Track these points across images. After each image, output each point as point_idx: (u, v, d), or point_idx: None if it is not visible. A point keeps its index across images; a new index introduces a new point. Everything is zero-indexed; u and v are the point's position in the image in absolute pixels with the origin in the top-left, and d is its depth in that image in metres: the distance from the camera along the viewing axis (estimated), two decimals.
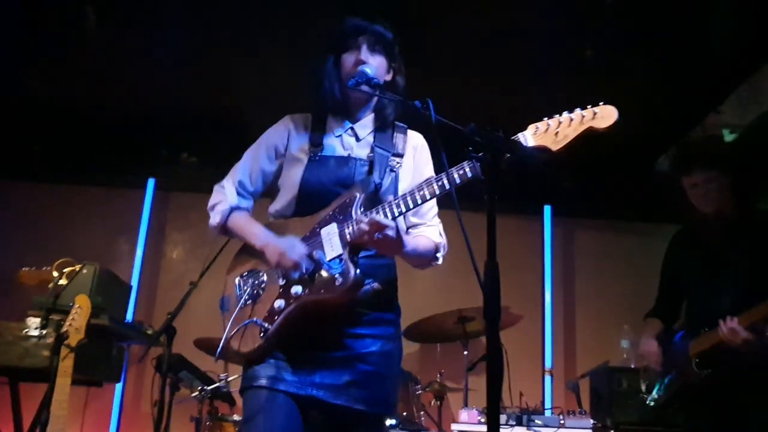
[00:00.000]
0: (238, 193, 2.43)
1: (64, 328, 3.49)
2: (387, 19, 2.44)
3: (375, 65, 2.32)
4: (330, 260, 2.14)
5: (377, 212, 2.12)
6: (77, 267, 4.07)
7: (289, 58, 4.51)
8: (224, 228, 2.40)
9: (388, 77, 2.40)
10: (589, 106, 1.99)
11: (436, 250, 2.37)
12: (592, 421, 4.01)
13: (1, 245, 5.43)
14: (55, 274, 4.01)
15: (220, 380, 4.42)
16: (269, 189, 2.47)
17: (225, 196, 2.42)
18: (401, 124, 2.45)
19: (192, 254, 6.05)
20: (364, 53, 2.32)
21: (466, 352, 4.54)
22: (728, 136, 5.43)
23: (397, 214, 2.11)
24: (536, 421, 3.88)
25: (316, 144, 2.36)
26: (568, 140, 1.97)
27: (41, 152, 5.91)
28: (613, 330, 5.31)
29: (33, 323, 3.79)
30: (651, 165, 6.06)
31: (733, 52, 4.63)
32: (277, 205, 2.40)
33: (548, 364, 5.84)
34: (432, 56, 4.62)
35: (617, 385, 4.54)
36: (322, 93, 2.38)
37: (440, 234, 2.42)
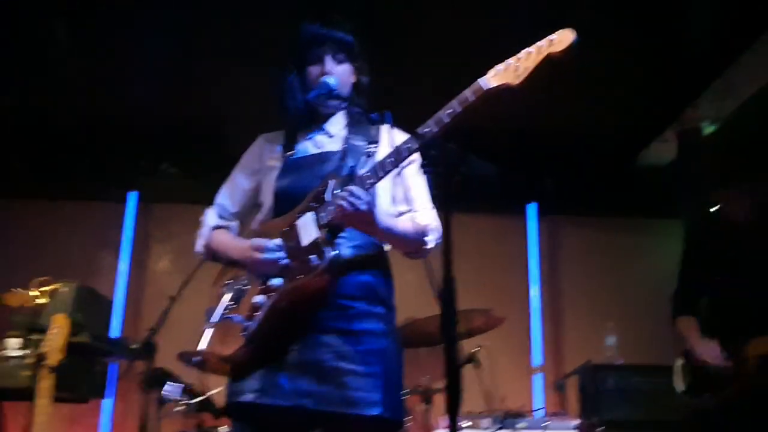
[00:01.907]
0: (219, 215, 2.47)
1: (43, 349, 3.47)
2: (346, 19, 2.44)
3: (340, 75, 2.33)
4: (306, 246, 2.11)
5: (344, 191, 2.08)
6: (57, 285, 4.03)
7: (266, 68, 4.49)
8: (208, 249, 2.42)
9: (353, 80, 2.41)
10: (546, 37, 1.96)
11: (423, 233, 2.27)
12: (574, 422, 4.01)
13: None
14: (35, 293, 3.97)
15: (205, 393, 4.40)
16: (251, 208, 2.48)
17: (207, 220, 2.47)
18: (371, 117, 2.39)
19: (176, 265, 6.02)
20: (329, 64, 2.32)
21: None
22: (708, 128, 5.45)
23: (368, 186, 2.07)
24: (520, 424, 3.88)
25: (288, 149, 2.38)
26: (528, 71, 1.93)
27: (18, 168, 5.86)
28: (601, 327, 5.30)
29: (12, 344, 3.76)
30: (633, 160, 6.07)
31: (707, 46, 4.65)
32: (258, 217, 2.41)
33: (536, 362, 5.84)
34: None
35: (603, 383, 4.54)
36: (287, 108, 2.38)
37: (433, 218, 2.31)
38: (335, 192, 2.12)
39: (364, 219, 2.08)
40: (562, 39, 1.91)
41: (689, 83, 5.08)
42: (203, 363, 2.13)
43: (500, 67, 1.98)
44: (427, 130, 1.97)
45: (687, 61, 4.79)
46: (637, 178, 6.09)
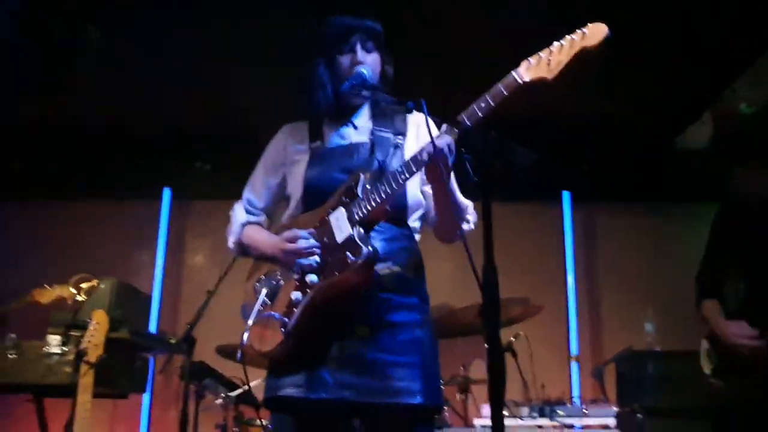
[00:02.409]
0: (247, 211, 2.46)
1: (83, 345, 3.51)
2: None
3: (372, 63, 2.32)
4: (341, 243, 2.10)
5: (385, 182, 2.07)
6: (95, 282, 4.08)
7: (294, 65, 4.50)
8: (240, 245, 2.42)
9: (380, 69, 2.39)
10: (577, 29, 1.93)
11: (467, 209, 2.30)
12: (615, 409, 3.97)
13: (19, 265, 5.49)
14: (73, 290, 4.03)
15: (244, 387, 4.43)
16: (279, 201, 2.49)
17: (236, 216, 2.46)
18: (398, 106, 2.38)
19: (213, 260, 6.07)
20: (361, 54, 2.30)
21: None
22: (746, 110, 5.34)
23: (401, 181, 2.06)
24: (559, 412, 3.84)
25: (314, 141, 2.36)
26: (563, 65, 1.90)
27: (55, 170, 5.95)
28: (639, 314, 5.24)
29: (53, 341, 3.82)
30: (670, 144, 5.97)
31: (745, 28, 4.53)
32: (288, 211, 2.40)
33: (574, 351, 5.78)
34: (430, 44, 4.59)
35: (643, 370, 4.48)
36: (317, 99, 2.35)
37: (469, 204, 2.35)
38: (369, 190, 2.11)
39: (447, 172, 2.08)
40: (595, 32, 1.88)
41: (727, 65, 4.96)
42: (244, 358, 2.12)
43: (532, 59, 1.95)
44: (459, 123, 1.96)
45: (725, 42, 4.67)
46: (674, 163, 5.97)
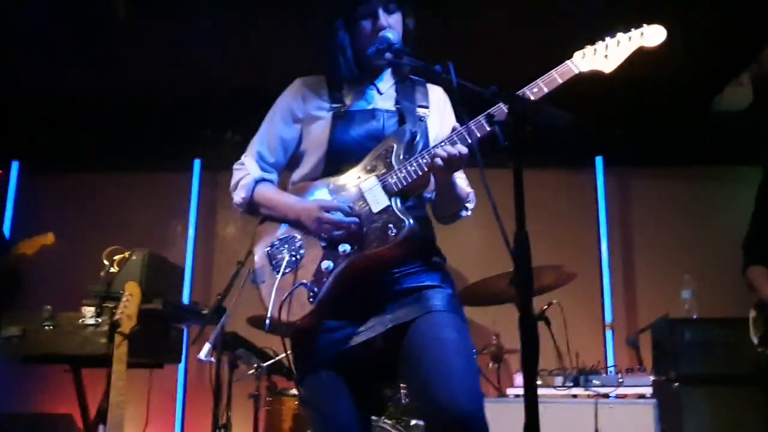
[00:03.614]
0: (261, 167, 2.35)
1: (116, 316, 3.54)
2: None
3: (395, 25, 2.25)
4: (377, 213, 2.06)
5: (421, 157, 2.06)
6: (127, 254, 4.11)
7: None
8: (251, 203, 2.31)
9: (402, 27, 2.31)
10: (633, 28, 2.01)
11: (467, 198, 2.28)
12: (651, 378, 3.91)
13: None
14: (106, 262, 4.06)
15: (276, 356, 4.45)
16: (290, 157, 2.37)
17: (247, 170, 2.34)
18: (417, 78, 2.37)
19: (244, 231, 6.07)
20: (383, 17, 2.22)
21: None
22: None
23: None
24: (594, 381, 3.80)
25: (336, 100, 2.28)
26: (619, 61, 1.98)
27: (85, 141, 5.99)
28: (675, 281, 5.13)
29: (88, 312, 3.85)
30: (707, 106, 5.81)
31: None
32: (302, 170, 2.30)
33: (608, 318, 5.71)
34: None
35: (680, 338, 4.40)
36: (337, 63, 2.28)
37: (467, 185, 2.32)
38: (403, 159, 2.09)
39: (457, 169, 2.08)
40: (656, 34, 1.98)
41: (765, 23, 4.78)
42: (274, 328, 2.09)
43: (588, 50, 1.99)
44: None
45: (760, 2, 4.51)
46: (711, 125, 5.81)
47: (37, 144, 6.01)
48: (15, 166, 6.23)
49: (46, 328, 3.85)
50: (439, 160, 2.00)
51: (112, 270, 4.05)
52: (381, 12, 2.23)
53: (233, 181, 2.37)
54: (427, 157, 2.03)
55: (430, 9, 2.42)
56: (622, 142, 5.96)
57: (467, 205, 2.28)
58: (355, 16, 2.25)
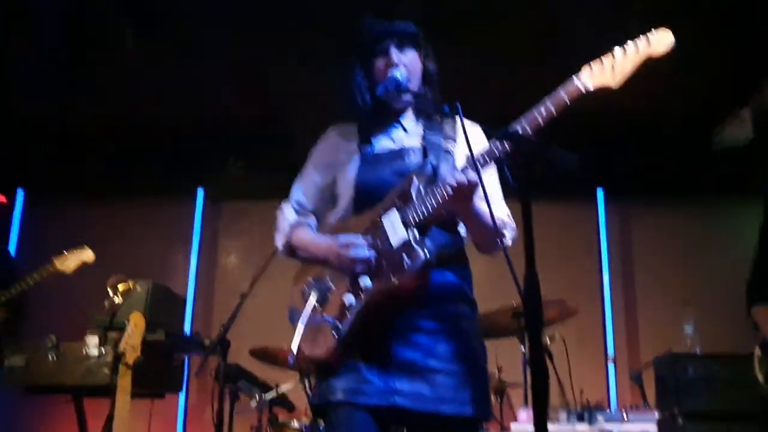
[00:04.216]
0: (297, 212, 2.43)
1: (121, 347, 3.54)
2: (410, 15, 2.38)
3: (408, 63, 2.29)
4: (395, 247, 2.08)
5: (437, 188, 2.05)
6: (131, 284, 4.12)
7: (329, 64, 4.50)
8: (290, 246, 2.38)
9: (420, 67, 2.35)
10: (639, 36, 1.90)
11: (502, 225, 2.24)
12: (656, 415, 3.89)
13: None
14: (110, 292, 4.07)
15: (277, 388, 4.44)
16: (328, 202, 2.44)
17: (285, 217, 2.43)
18: (443, 111, 2.35)
19: (246, 261, 6.10)
20: (395, 55, 2.27)
21: (523, 348, 4.44)
22: None
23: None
24: (599, 417, 3.77)
25: (364, 143, 2.34)
26: (627, 73, 1.87)
27: (90, 170, 6.03)
28: (677, 314, 5.13)
29: (92, 342, 3.86)
30: (707, 139, 5.85)
31: None
32: (337, 212, 2.37)
33: (610, 352, 5.70)
34: (473, 44, 4.57)
35: (683, 373, 4.39)
36: (355, 105, 2.34)
37: (507, 216, 2.30)
38: (423, 193, 2.09)
39: (470, 198, 2.06)
40: (662, 40, 1.86)
41: (764, 58, 4.85)
42: (296, 362, 2.13)
43: (595, 65, 1.91)
44: (517, 130, 1.91)
45: (761, 35, 4.57)
46: (711, 158, 5.86)
47: (42, 172, 6.03)
48: (20, 194, 6.26)
49: (50, 358, 3.85)
50: (449, 188, 2.02)
51: (116, 300, 4.06)
52: (393, 49, 2.28)
53: (275, 228, 2.45)
54: (441, 187, 2.05)
55: (440, 39, 2.44)
56: (623, 174, 5.99)
57: (504, 232, 2.24)
58: (369, 56, 2.32)
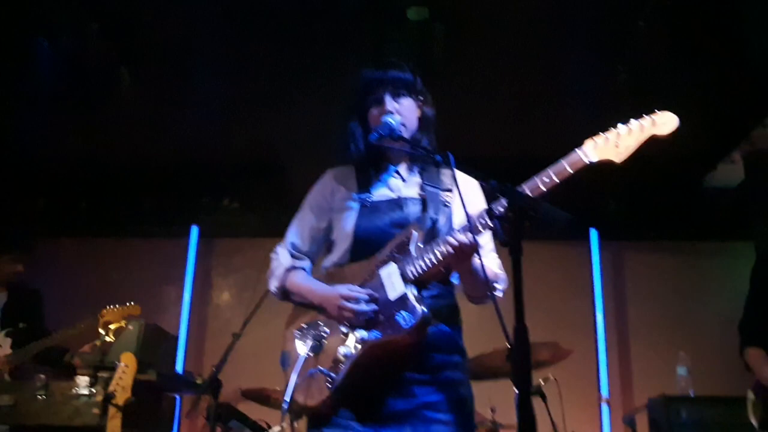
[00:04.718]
0: (292, 255, 2.41)
1: (111, 388, 3.51)
2: (408, 62, 2.42)
3: (403, 110, 2.30)
4: (393, 300, 2.08)
5: (437, 245, 2.07)
6: (123, 323, 4.10)
7: (322, 105, 4.56)
8: (284, 290, 2.37)
9: (418, 114, 2.37)
10: (644, 116, 1.94)
11: (495, 279, 2.26)
12: None
13: (49, 302, 5.53)
14: (101, 331, 4.05)
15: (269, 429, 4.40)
16: (323, 246, 2.45)
17: (279, 261, 2.41)
18: (437, 157, 2.36)
19: (238, 299, 6.08)
20: (389, 103, 2.29)
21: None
22: None
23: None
24: None
25: (363, 191, 2.34)
26: (631, 150, 1.92)
27: (84, 208, 6.04)
28: (671, 356, 5.12)
29: (82, 382, 3.83)
30: (699, 182, 5.91)
31: None
32: (333, 258, 2.36)
33: (604, 393, 5.67)
34: (463, 89, 4.61)
35: (677, 416, 4.37)
36: (351, 154, 2.36)
37: (499, 267, 2.32)
38: (421, 248, 2.10)
39: (468, 253, 2.06)
40: (667, 122, 1.90)
41: (757, 102, 4.92)
42: (292, 409, 2.12)
43: (599, 139, 1.94)
44: (509, 186, 1.91)
45: (755, 79, 4.64)
46: (704, 201, 5.91)
47: (36, 209, 6.04)
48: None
49: (39, 398, 3.81)
50: (450, 248, 2.03)
51: (107, 339, 4.04)
52: (387, 98, 2.30)
53: (269, 271, 2.43)
54: (442, 245, 2.07)
55: (438, 94, 2.47)
56: (616, 216, 6.02)
57: (496, 286, 2.27)
58: (364, 105, 2.34)
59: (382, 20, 3.98)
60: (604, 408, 5.58)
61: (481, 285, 2.22)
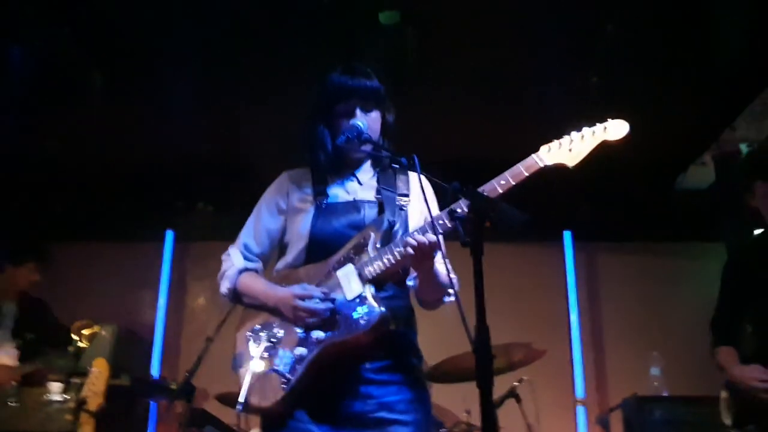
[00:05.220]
0: (245, 257, 2.38)
1: (84, 393, 3.50)
2: (376, 67, 2.43)
3: (371, 122, 2.31)
4: (350, 300, 2.09)
5: (395, 246, 2.10)
6: (96, 329, 4.08)
7: (296, 107, 4.56)
8: (235, 293, 2.34)
9: (381, 122, 2.38)
10: (597, 123, 2.08)
11: (448, 285, 2.25)
12: None
13: None
14: (75, 336, 4.03)
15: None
16: (276, 248, 2.42)
17: (232, 262, 2.38)
18: (399, 164, 2.38)
19: (213, 303, 6.05)
20: (360, 116, 2.30)
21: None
22: (746, 149, 5.35)
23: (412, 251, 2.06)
24: None
25: (319, 193, 2.34)
26: (583, 155, 2.04)
27: (58, 212, 5.99)
28: (644, 356, 5.18)
29: (54, 388, 3.80)
30: (671, 184, 5.97)
31: (743, 68, 4.56)
32: (286, 259, 2.34)
33: (579, 394, 5.71)
34: (434, 94, 4.65)
35: (650, 416, 4.41)
36: (317, 158, 2.35)
37: (449, 271, 2.28)
38: (379, 248, 2.12)
39: (429, 256, 2.10)
40: (618, 129, 2.04)
41: (726, 105, 4.99)
42: (246, 410, 2.11)
43: (554, 144, 2.06)
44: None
45: (723, 82, 4.70)
46: (676, 202, 5.98)
47: (10, 213, 5.97)
48: None
49: (10, 404, 3.78)
50: (410, 249, 2.05)
51: (80, 344, 4.02)
52: (359, 111, 2.31)
53: (220, 272, 2.41)
54: (401, 246, 2.09)
55: (400, 97, 2.49)
56: (589, 217, 6.07)
57: (449, 291, 2.28)
58: (334, 113, 2.33)
59: (354, 24, 3.99)
60: (579, 409, 5.62)
61: (437, 287, 2.25)
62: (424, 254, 2.07)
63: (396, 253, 2.09)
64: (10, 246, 4.46)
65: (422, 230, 2.07)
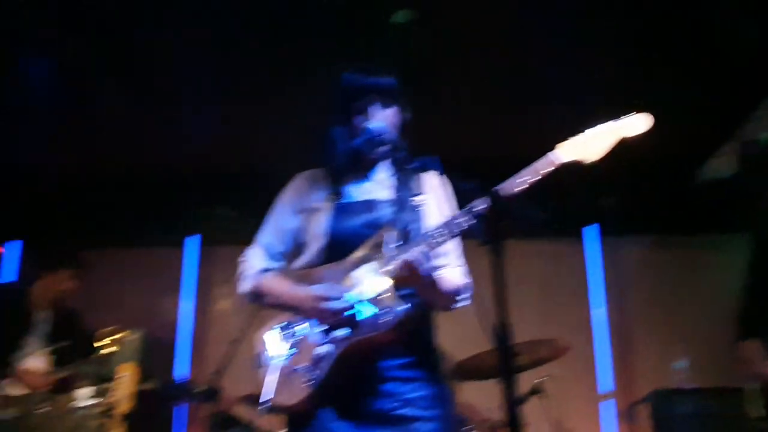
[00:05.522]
0: (264, 258, 2.40)
1: (113, 398, 3.54)
2: (393, 65, 2.43)
3: (387, 120, 2.32)
4: (371, 299, 2.11)
5: (411, 250, 2.09)
6: (124, 334, 4.12)
7: (319, 109, 4.56)
8: (255, 294, 2.36)
9: (398, 120, 2.39)
10: (618, 119, 2.02)
11: (456, 292, 2.28)
12: None
13: None
14: (102, 342, 4.07)
15: None
16: (294, 248, 2.42)
17: (251, 263, 2.40)
18: (416, 165, 2.38)
19: (238, 306, 6.08)
20: (377, 114, 2.31)
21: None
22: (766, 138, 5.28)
23: (433, 247, 2.08)
24: None
25: (336, 193, 2.36)
26: (601, 152, 1.99)
27: (82, 219, 6.05)
28: (670, 350, 5.13)
29: (82, 394, 3.85)
30: (693, 175, 5.91)
31: (764, 57, 4.51)
32: (304, 259, 2.36)
33: (605, 388, 5.68)
34: (450, 92, 4.66)
35: (677, 409, 4.38)
36: (334, 158, 2.37)
37: (464, 277, 2.34)
38: (395, 247, 2.13)
39: (423, 281, 2.11)
40: (639, 124, 1.98)
41: (747, 95, 4.93)
42: (271, 410, 2.13)
43: (573, 141, 2.02)
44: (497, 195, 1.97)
45: (744, 72, 4.65)
46: (698, 194, 5.91)
47: (39, 223, 6.05)
48: (18, 245, 6.26)
49: (40, 410, 3.83)
50: (405, 271, 2.07)
51: (109, 350, 4.06)
52: (376, 108, 2.32)
53: (238, 273, 2.43)
54: (421, 243, 2.09)
55: (416, 96, 2.49)
56: (613, 211, 6.02)
57: (457, 298, 2.29)
58: (350, 112, 2.34)
59: (367, 24, 4.00)
60: (605, 403, 5.59)
61: (441, 296, 2.25)
62: (412, 276, 2.08)
63: (416, 252, 2.08)
64: (47, 253, 4.49)
65: (440, 228, 2.08)
